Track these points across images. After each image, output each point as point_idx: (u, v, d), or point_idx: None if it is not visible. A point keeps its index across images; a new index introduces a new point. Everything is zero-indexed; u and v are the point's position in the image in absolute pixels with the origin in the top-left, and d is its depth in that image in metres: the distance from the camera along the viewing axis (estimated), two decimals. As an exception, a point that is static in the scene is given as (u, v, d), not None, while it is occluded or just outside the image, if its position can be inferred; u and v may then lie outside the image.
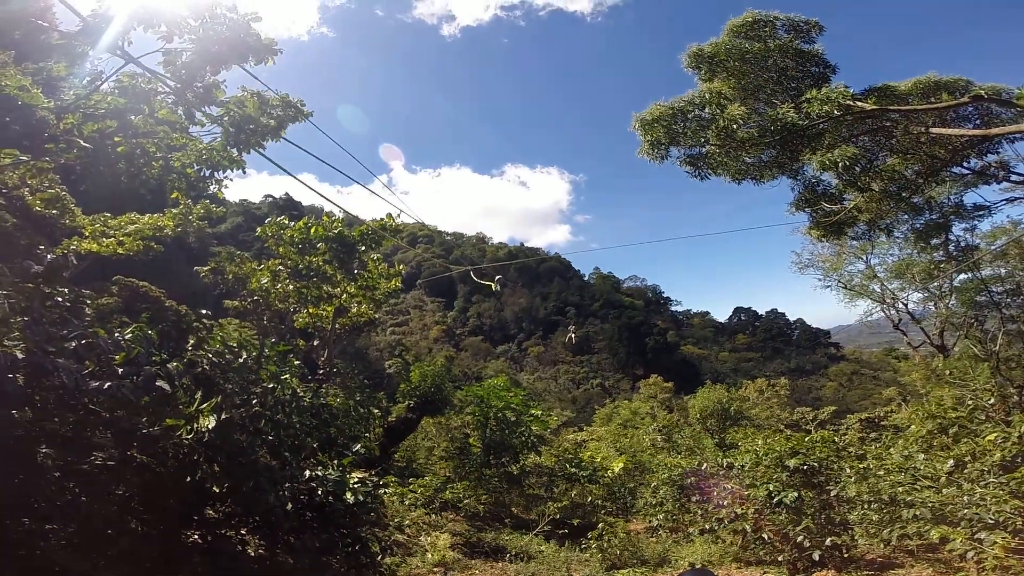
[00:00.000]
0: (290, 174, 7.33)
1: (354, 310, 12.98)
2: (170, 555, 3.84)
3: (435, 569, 6.47)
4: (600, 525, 8.13)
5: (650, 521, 10.03)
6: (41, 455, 3.22)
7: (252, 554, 4.56)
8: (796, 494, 6.88)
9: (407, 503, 9.15)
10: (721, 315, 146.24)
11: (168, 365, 4.07)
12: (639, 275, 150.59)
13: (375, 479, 5.44)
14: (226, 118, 6.54)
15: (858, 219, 8.90)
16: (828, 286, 23.45)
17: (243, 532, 4.45)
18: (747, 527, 7.11)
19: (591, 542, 7.95)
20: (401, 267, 13.94)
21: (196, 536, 4.25)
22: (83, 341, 3.58)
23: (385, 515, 6.91)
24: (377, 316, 14.97)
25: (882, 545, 6.40)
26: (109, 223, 8.84)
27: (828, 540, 6.22)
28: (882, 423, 16.47)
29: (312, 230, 11.41)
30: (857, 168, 7.19)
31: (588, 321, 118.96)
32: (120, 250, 8.55)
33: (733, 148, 7.48)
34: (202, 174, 6.93)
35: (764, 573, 6.44)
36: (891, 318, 22.76)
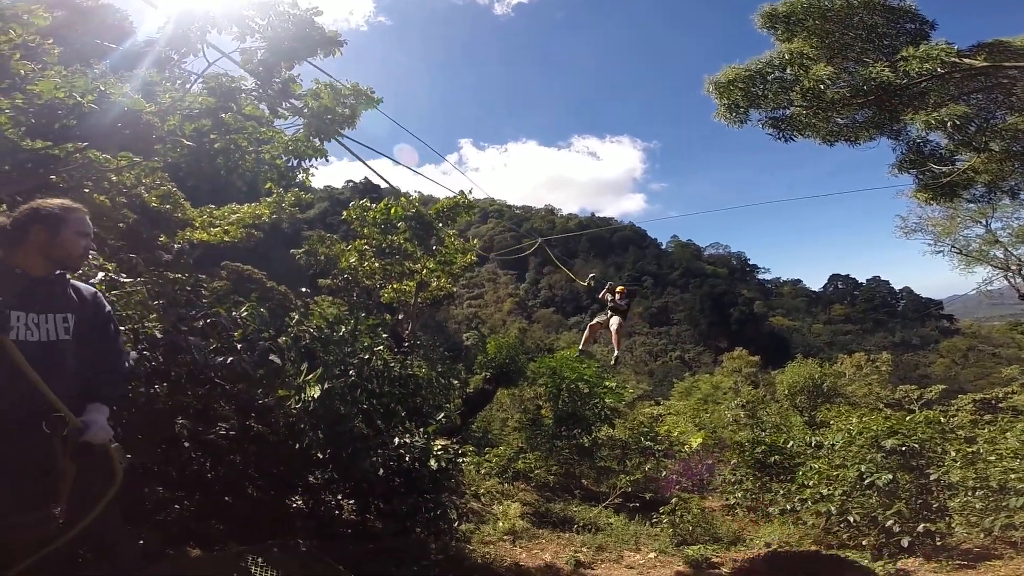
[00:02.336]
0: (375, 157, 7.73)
1: (434, 284, 13.61)
2: (279, 519, 4.22)
3: (505, 537, 6.73)
4: (673, 500, 8.13)
5: (727, 499, 9.89)
6: (178, 426, 3.63)
7: (346, 518, 4.96)
8: (891, 476, 6.49)
9: (482, 472, 9.63)
10: (815, 283, 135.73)
11: (278, 340, 4.53)
12: (722, 242, 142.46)
13: (456, 447, 5.70)
14: (306, 110, 7.00)
15: (975, 180, 7.87)
16: (940, 251, 20.98)
17: (339, 497, 4.84)
18: (832, 508, 6.84)
19: (663, 517, 7.96)
20: (475, 241, 14.35)
21: (300, 501, 4.65)
22: (208, 320, 4.04)
23: (463, 483, 7.28)
24: (455, 290, 15.57)
25: (982, 535, 5.93)
26: (214, 214, 9.85)
27: (921, 526, 5.84)
28: (1000, 404, 14.89)
29: (392, 211, 12.02)
30: (971, 127, 6.32)
31: (667, 291, 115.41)
32: (226, 238, 9.54)
33: (822, 109, 6.85)
34: (290, 164, 7.47)
35: (845, 557, 6.20)
36: (1016, 287, 20.05)
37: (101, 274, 3.98)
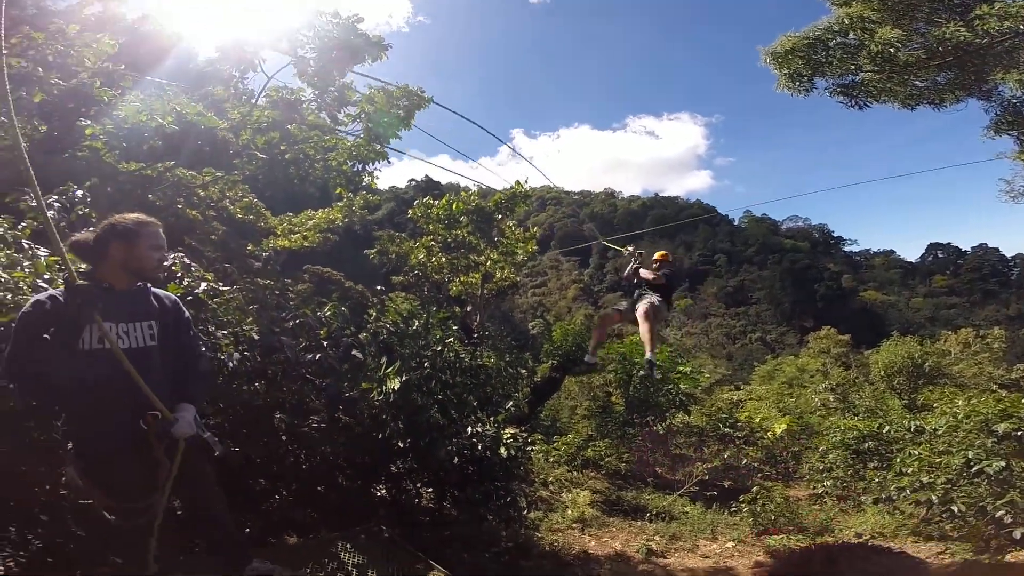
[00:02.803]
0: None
1: (498, 275, 13.91)
2: (365, 507, 4.47)
3: (574, 525, 6.76)
4: (755, 488, 7.83)
5: (814, 488, 9.39)
6: (276, 420, 3.96)
7: (424, 506, 5.16)
8: (1003, 463, 5.93)
9: (551, 460, 9.74)
10: (911, 254, 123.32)
11: (359, 336, 4.83)
12: (800, 215, 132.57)
13: (524, 435, 5.81)
14: (362, 115, 7.30)
15: (1086, 140, 6.90)
16: (1057, 214, 18.35)
17: (418, 485, 5.06)
18: (933, 497, 6.34)
19: (743, 505, 7.66)
20: (535, 230, 14.48)
21: (383, 489, 4.90)
22: (296, 321, 4.40)
23: (532, 471, 7.38)
24: (518, 279, 15.80)
25: (1112, 529, 5.27)
26: (292, 221, 10.57)
27: (1038, 518, 5.31)
28: None
29: (454, 206, 12.43)
30: (1074, 85, 5.54)
31: (743, 268, 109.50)
32: (305, 243, 10.25)
33: (896, 73, 6.24)
34: (355, 169, 7.85)
35: (946, 549, 5.73)
36: None
37: (204, 284, 4.40)
